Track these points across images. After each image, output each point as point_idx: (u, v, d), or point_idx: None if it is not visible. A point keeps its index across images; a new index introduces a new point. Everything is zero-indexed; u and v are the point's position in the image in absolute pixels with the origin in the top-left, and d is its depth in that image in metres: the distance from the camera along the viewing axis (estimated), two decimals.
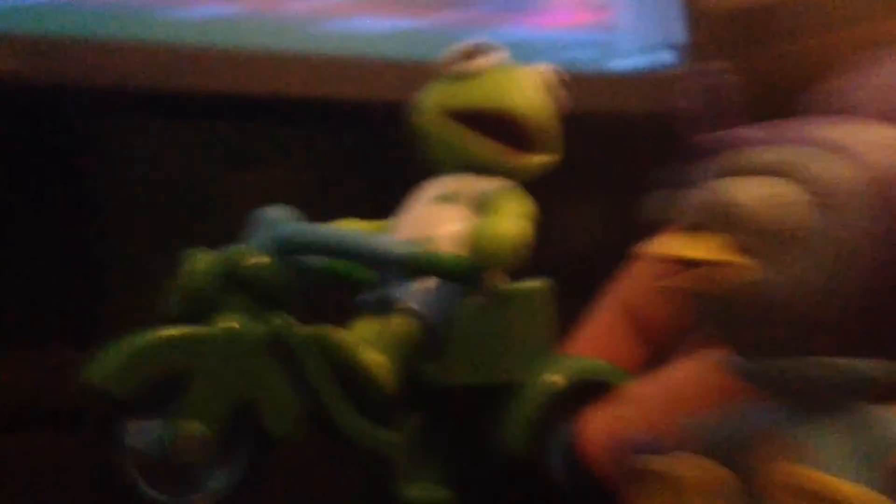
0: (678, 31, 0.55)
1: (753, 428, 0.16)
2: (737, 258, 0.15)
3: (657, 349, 0.31)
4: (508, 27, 0.55)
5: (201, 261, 0.27)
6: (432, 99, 0.30)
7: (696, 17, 0.55)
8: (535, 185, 0.29)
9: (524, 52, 0.31)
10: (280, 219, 0.28)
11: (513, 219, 0.28)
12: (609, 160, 0.56)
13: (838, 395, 0.16)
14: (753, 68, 0.54)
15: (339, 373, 0.27)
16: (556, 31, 0.55)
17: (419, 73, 0.31)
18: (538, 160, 0.30)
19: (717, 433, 0.17)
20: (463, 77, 0.30)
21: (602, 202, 0.57)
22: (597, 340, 0.31)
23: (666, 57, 0.55)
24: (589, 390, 0.28)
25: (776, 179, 0.15)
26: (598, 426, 0.25)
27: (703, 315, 0.16)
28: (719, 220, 0.15)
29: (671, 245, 0.15)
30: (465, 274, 0.28)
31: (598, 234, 0.57)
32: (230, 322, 0.26)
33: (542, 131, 0.29)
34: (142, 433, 0.25)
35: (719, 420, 0.17)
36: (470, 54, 0.30)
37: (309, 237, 0.27)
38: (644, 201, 0.17)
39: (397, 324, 0.28)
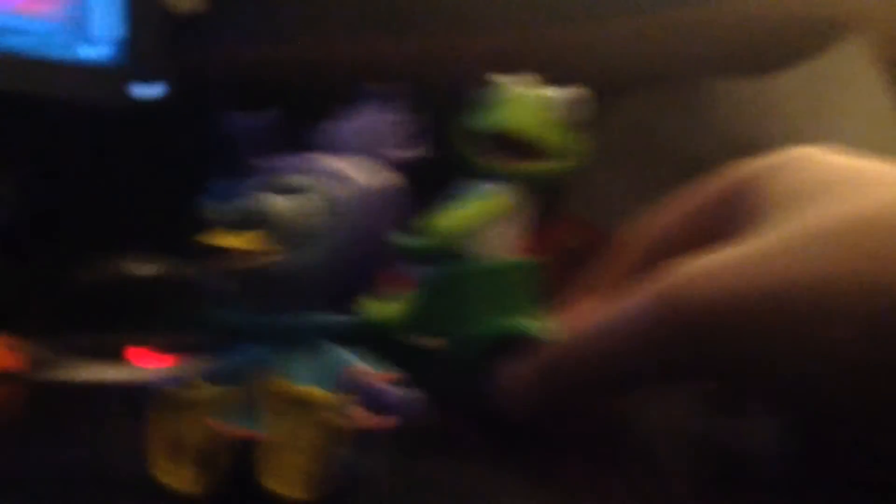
0: (121, 27, 0.60)
1: (250, 361, 0.23)
2: (266, 247, 0.22)
3: None
4: None
5: None
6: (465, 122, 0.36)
7: (137, 16, 0.61)
8: None
9: None
10: None
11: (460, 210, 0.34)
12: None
13: (309, 337, 0.23)
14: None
15: None
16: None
17: None
18: (540, 167, 0.34)
19: (224, 366, 0.23)
20: (486, 103, 0.36)
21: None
22: None
23: (109, 51, 0.60)
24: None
25: (301, 195, 0.22)
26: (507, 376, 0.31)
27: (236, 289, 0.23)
28: (258, 223, 0.22)
29: (221, 239, 0.22)
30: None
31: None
32: None
33: (538, 143, 0.34)
34: None
35: (225, 358, 0.24)
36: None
37: None
38: (201, 204, 0.23)
39: None
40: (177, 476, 0.22)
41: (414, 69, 0.71)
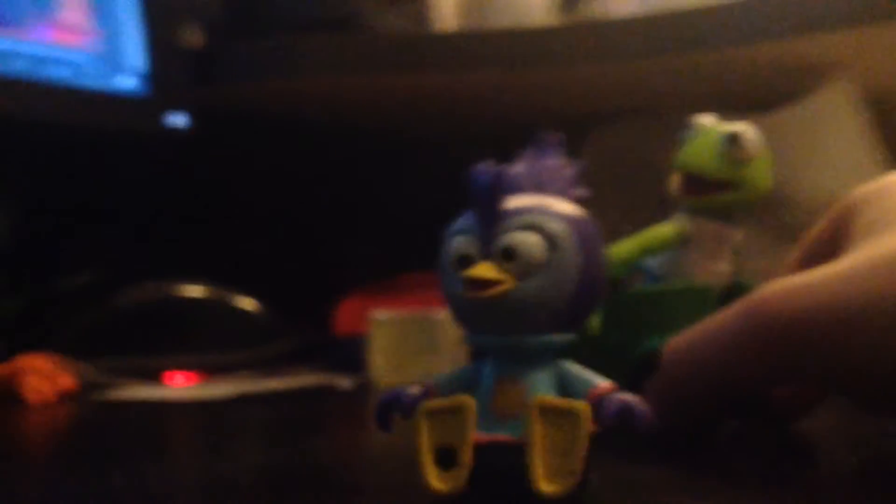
0: (145, 61, 0.64)
1: (488, 374, 0.26)
2: (506, 277, 0.25)
3: None
4: None
5: None
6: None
7: (159, 51, 0.64)
8: None
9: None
10: None
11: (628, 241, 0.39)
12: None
13: (545, 355, 0.26)
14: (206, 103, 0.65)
15: None
16: (35, 46, 0.58)
17: None
18: (715, 198, 0.38)
19: (463, 377, 0.27)
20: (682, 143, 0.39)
21: None
22: None
23: (135, 83, 0.63)
24: None
25: (530, 232, 0.25)
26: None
27: (481, 311, 0.25)
28: (508, 256, 0.25)
29: (479, 270, 0.25)
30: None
31: None
32: None
33: (715, 178, 0.37)
34: None
35: (464, 371, 0.27)
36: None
37: None
38: (452, 238, 0.26)
39: None
40: (445, 479, 0.25)
41: (421, 105, 0.74)
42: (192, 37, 0.68)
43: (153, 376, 0.56)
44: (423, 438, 0.25)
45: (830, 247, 0.32)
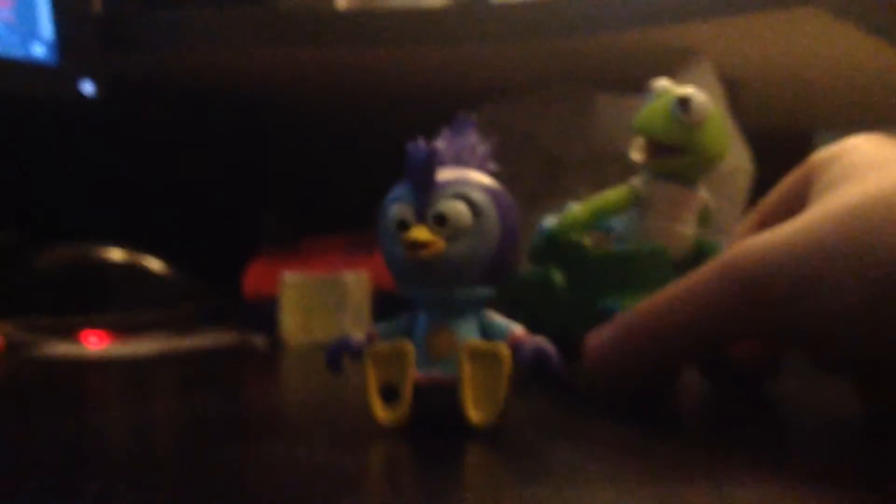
0: (53, 29, 0.64)
1: (423, 322, 0.31)
2: (438, 240, 0.29)
3: None
4: None
5: None
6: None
7: (67, 20, 0.65)
8: None
9: None
10: None
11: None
12: None
13: (471, 305, 0.31)
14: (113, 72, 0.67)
15: None
16: None
17: None
18: (668, 161, 0.38)
19: (401, 326, 0.31)
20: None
21: None
22: None
23: (40, 51, 0.64)
24: None
25: (458, 201, 0.29)
26: (591, 337, 0.35)
27: (417, 268, 0.30)
28: (440, 221, 0.29)
29: (416, 233, 0.29)
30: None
31: None
32: None
33: (667, 142, 0.38)
34: None
35: (402, 320, 0.31)
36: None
37: None
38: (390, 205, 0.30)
39: None
40: (390, 412, 0.30)
41: (323, 79, 0.77)
42: (95, 4, 0.69)
43: (69, 336, 0.58)
44: (370, 378, 0.30)
45: (792, 207, 0.33)
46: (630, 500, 0.22)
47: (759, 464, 0.26)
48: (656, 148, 0.38)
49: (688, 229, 0.39)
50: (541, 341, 0.30)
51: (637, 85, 0.73)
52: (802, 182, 0.34)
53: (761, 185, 0.67)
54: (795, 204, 0.33)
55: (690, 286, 0.32)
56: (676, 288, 0.32)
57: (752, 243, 0.31)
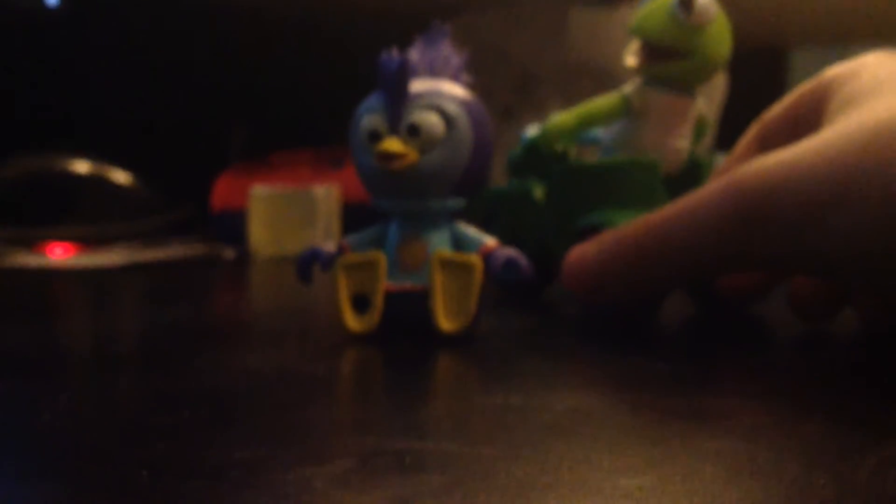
0: None
1: (395, 233, 0.31)
2: (411, 151, 0.29)
3: None
4: None
5: None
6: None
7: None
8: None
9: None
10: None
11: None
12: None
13: (443, 216, 0.31)
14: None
15: None
16: None
17: None
18: (666, 66, 0.36)
19: (373, 236, 0.31)
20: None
21: None
22: None
23: None
24: None
25: (431, 112, 0.29)
26: (574, 253, 0.33)
27: (389, 179, 0.29)
28: (413, 132, 0.29)
29: (388, 144, 0.29)
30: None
31: None
32: None
33: (666, 46, 0.35)
34: None
35: (373, 230, 0.31)
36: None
37: None
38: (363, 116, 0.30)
39: None
40: (360, 321, 0.30)
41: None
42: None
43: (34, 247, 0.58)
44: (342, 287, 0.30)
45: (799, 124, 0.31)
46: (598, 407, 0.22)
47: (730, 375, 0.26)
48: (653, 52, 0.36)
49: (683, 143, 0.37)
50: (512, 251, 0.30)
51: None
52: (814, 99, 0.32)
53: (736, 104, 0.67)
54: (804, 121, 0.31)
55: (693, 205, 0.30)
56: (675, 207, 0.30)
57: (762, 163, 0.28)
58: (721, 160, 0.37)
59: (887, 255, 0.26)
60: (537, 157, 0.39)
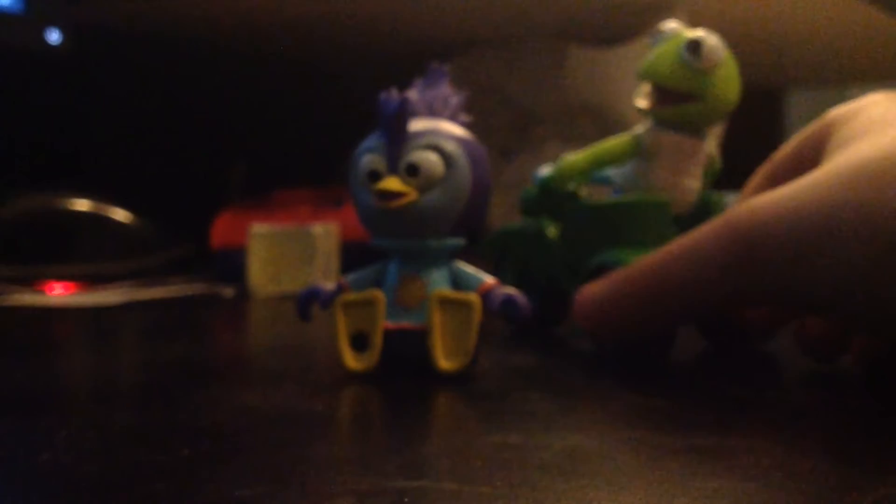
0: None
1: (394, 272, 0.31)
2: (410, 190, 0.29)
3: None
4: None
5: None
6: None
7: None
8: None
9: None
10: None
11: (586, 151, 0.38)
12: None
13: (442, 255, 0.31)
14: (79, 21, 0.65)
15: None
16: None
17: None
18: (675, 109, 0.36)
19: (372, 275, 0.31)
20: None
21: None
22: None
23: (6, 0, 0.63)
24: None
25: (431, 152, 0.29)
26: (584, 291, 0.33)
27: (388, 218, 0.30)
28: (412, 172, 0.29)
29: (387, 183, 0.29)
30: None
31: None
32: None
33: (676, 89, 0.35)
34: None
35: (372, 269, 0.32)
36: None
37: None
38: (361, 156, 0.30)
39: None
40: (359, 360, 0.30)
41: (296, 29, 0.76)
42: None
43: (34, 286, 0.58)
44: (341, 326, 0.30)
45: (804, 164, 0.32)
46: (597, 445, 0.22)
47: (732, 413, 0.26)
48: (663, 95, 0.36)
49: (694, 183, 0.37)
50: (510, 289, 0.30)
51: (610, 38, 0.73)
52: (816, 139, 0.32)
53: (733, 145, 0.68)
54: (808, 161, 0.31)
55: (691, 244, 0.30)
56: (676, 245, 0.31)
57: (757, 202, 0.29)
58: (732, 200, 0.38)
59: (871, 293, 0.26)
60: (550, 197, 0.39)
